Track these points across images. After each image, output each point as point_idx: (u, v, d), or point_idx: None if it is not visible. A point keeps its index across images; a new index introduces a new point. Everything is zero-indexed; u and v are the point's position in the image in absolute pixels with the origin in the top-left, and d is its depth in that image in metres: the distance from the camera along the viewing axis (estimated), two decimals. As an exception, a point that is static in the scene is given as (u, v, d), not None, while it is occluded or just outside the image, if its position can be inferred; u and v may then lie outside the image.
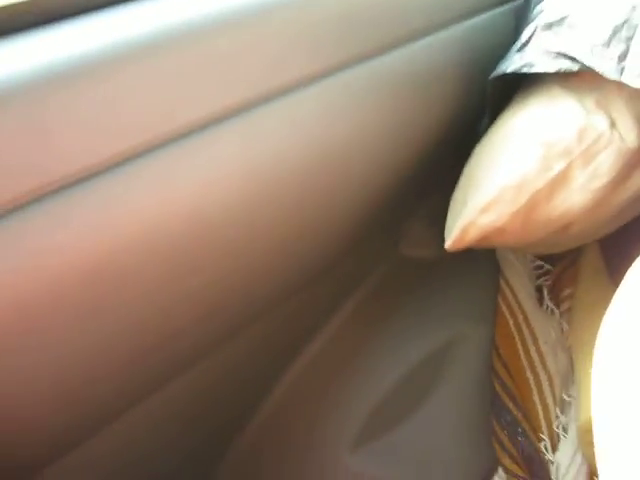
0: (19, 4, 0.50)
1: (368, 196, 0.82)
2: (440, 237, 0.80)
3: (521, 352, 0.97)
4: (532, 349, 0.97)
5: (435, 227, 0.84)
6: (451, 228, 0.75)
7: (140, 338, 0.64)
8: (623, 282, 0.52)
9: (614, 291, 0.53)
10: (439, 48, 0.77)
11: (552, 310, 1.00)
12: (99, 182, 0.51)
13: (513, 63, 0.73)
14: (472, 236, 0.73)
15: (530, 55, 0.72)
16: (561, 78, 0.73)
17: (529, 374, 0.96)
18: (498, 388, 0.97)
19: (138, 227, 0.55)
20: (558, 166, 0.70)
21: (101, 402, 0.67)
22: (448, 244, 0.75)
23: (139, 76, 0.52)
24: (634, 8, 0.66)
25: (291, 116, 0.63)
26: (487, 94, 0.80)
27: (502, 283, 1.02)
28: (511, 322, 0.99)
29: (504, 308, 1.00)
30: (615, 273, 0.93)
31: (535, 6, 0.79)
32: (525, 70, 0.72)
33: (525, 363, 0.96)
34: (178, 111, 0.54)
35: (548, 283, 1.03)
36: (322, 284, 0.93)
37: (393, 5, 0.70)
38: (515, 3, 0.87)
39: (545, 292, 1.01)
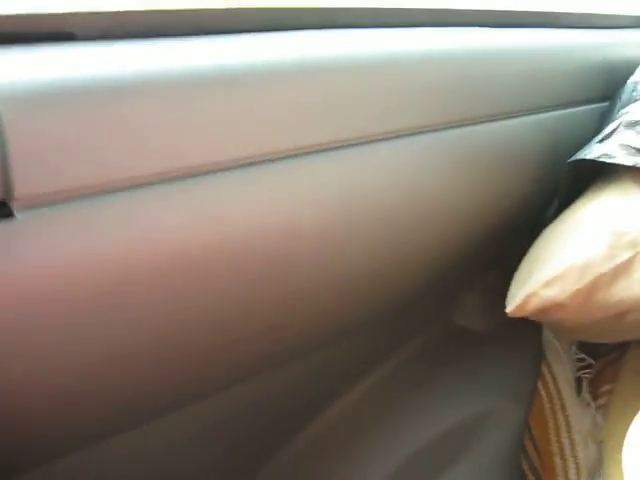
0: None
1: (430, 260, 0.86)
2: (492, 311, 0.83)
3: (553, 436, 0.99)
4: (564, 436, 0.98)
5: (489, 301, 0.87)
6: (514, 295, 0.79)
7: (181, 352, 0.64)
8: None
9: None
10: (526, 130, 0.82)
11: (589, 402, 1.02)
12: (200, 183, 0.53)
13: (593, 152, 0.79)
14: (533, 307, 0.77)
15: (610, 147, 0.77)
16: (636, 174, 0.78)
17: (558, 459, 0.97)
18: (525, 468, 0.98)
19: (232, 234, 0.57)
20: (623, 255, 0.74)
21: (113, 412, 0.66)
22: (509, 310, 0.78)
23: (259, 98, 0.55)
24: None
25: (377, 163, 0.68)
26: (562, 179, 0.85)
27: (544, 367, 1.04)
28: (547, 406, 1.01)
29: (543, 391, 1.02)
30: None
31: (620, 109, 0.85)
32: (603, 159, 0.77)
33: (555, 448, 0.98)
34: (282, 135, 0.58)
35: (588, 376, 1.05)
36: (371, 335, 0.96)
37: (494, 82, 0.76)
38: (601, 104, 0.93)
39: (584, 384, 1.03)
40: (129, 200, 0.50)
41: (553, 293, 0.75)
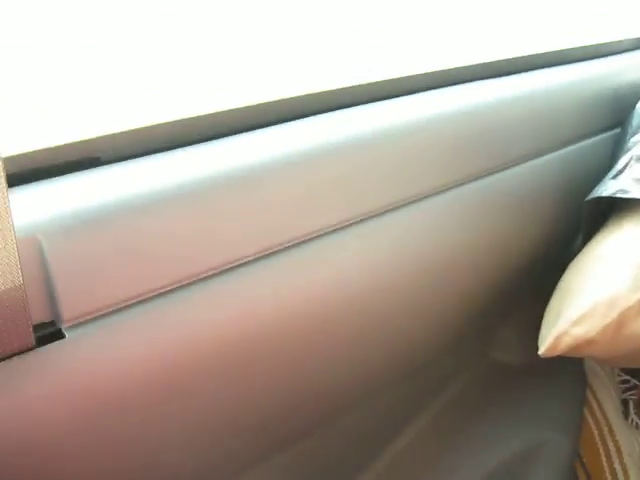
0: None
1: (464, 301, 0.88)
2: (530, 344, 0.85)
3: (605, 463, 0.99)
4: (616, 461, 0.98)
5: (526, 334, 0.88)
6: (545, 336, 0.80)
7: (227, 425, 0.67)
8: None
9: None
10: (541, 172, 0.84)
11: (637, 424, 1.02)
12: (214, 285, 0.56)
13: (608, 188, 0.80)
14: (564, 345, 0.78)
15: (624, 182, 0.78)
16: (653, 205, 0.79)
17: (612, 485, 0.97)
18: (580, 497, 0.99)
19: (255, 326, 0.60)
20: None
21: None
22: (542, 351, 0.80)
23: (271, 189, 0.58)
24: None
25: (403, 229, 0.71)
26: (582, 216, 0.87)
27: (589, 394, 1.05)
28: (596, 433, 1.01)
29: (590, 419, 1.03)
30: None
31: (631, 137, 0.86)
32: (619, 195, 0.78)
33: (608, 474, 0.98)
34: (305, 221, 0.61)
35: (634, 397, 1.05)
36: (413, 382, 0.97)
37: (500, 132, 0.78)
38: (612, 132, 0.94)
39: (631, 406, 1.04)
40: (168, 302, 0.53)
41: (583, 331, 0.76)
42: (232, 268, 0.56)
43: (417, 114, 0.72)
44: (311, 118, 0.67)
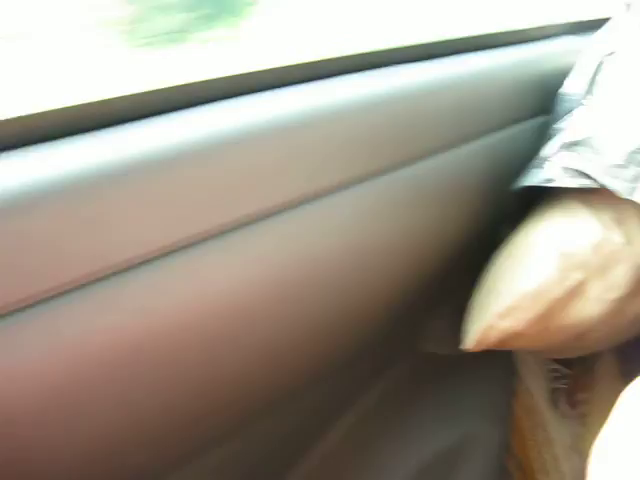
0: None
1: (390, 294, 0.85)
2: (459, 336, 0.83)
3: (535, 454, 0.98)
4: (546, 451, 0.98)
5: (456, 325, 0.86)
6: (471, 330, 0.78)
7: (166, 421, 0.66)
8: (626, 390, 0.55)
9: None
10: (465, 160, 0.82)
11: (567, 413, 1.02)
12: (141, 274, 0.54)
13: (534, 177, 0.78)
14: (491, 339, 0.76)
15: (550, 171, 0.76)
16: (580, 193, 0.77)
17: (543, 476, 0.97)
18: (511, 489, 0.98)
19: (164, 322, 0.58)
20: (575, 277, 0.73)
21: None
22: (468, 345, 0.78)
23: (187, 179, 0.56)
24: (649, 135, 0.70)
25: (322, 221, 0.67)
26: (507, 205, 0.85)
27: (518, 384, 1.04)
28: (526, 424, 1.00)
29: (520, 409, 1.02)
30: (630, 379, 0.94)
31: (556, 123, 0.84)
32: (545, 184, 0.76)
33: (539, 465, 0.97)
34: (218, 212, 0.58)
35: (564, 387, 1.04)
36: (341, 377, 0.95)
37: (424, 118, 0.75)
38: (537, 119, 0.92)
39: (561, 395, 1.03)
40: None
41: (509, 324, 0.75)
42: (133, 267, 0.54)
43: (336, 99, 0.68)
44: (221, 102, 0.63)
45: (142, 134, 0.57)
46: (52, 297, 0.50)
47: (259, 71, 0.67)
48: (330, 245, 0.69)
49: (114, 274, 0.53)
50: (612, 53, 0.83)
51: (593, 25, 1.04)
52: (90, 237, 0.51)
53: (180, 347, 0.59)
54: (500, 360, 1.05)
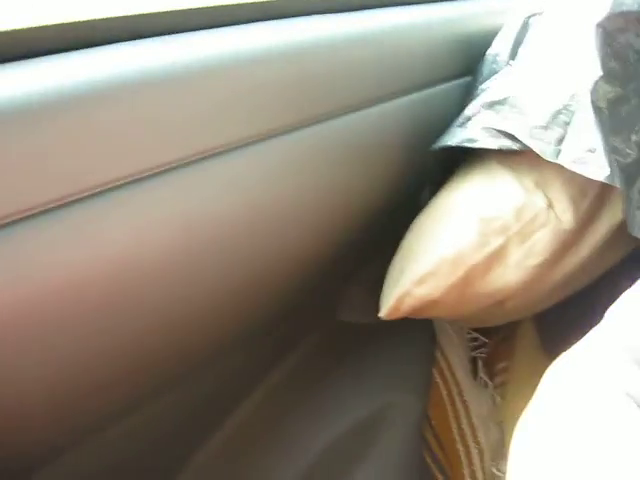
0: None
1: (306, 260, 0.82)
2: (378, 304, 0.80)
3: (453, 424, 0.97)
4: (464, 421, 0.96)
5: (374, 293, 0.84)
6: (387, 297, 0.75)
7: (69, 386, 0.63)
8: (550, 368, 0.53)
9: (548, 366, 0.53)
10: (385, 118, 0.78)
11: (486, 383, 1.01)
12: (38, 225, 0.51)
13: (455, 137, 0.75)
14: (407, 306, 0.73)
15: (472, 131, 0.73)
16: (501, 156, 0.74)
17: (460, 446, 0.95)
18: (428, 459, 0.96)
19: (74, 272, 0.54)
20: (495, 242, 0.71)
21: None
22: (383, 313, 0.75)
23: (82, 126, 0.51)
24: (573, 96, 0.68)
25: (228, 176, 0.63)
26: (428, 166, 0.82)
27: (437, 353, 1.02)
28: (444, 393, 0.99)
29: (438, 379, 1.00)
30: (550, 348, 0.94)
31: (481, 84, 0.82)
32: (466, 144, 0.73)
33: (456, 435, 0.96)
34: (116, 163, 0.54)
35: (483, 356, 1.03)
36: (257, 345, 0.92)
37: (344, 72, 0.71)
38: (462, 80, 0.89)
39: (480, 364, 1.02)
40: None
41: (426, 291, 0.72)
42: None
43: (253, 46, 0.63)
44: (141, 41, 0.58)
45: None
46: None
47: (186, 10, 0.63)
48: (238, 204, 0.65)
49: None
50: (538, 14, 0.81)
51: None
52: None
53: (88, 301, 0.57)
54: (420, 328, 1.03)
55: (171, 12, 0.62)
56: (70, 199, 0.51)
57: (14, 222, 0.49)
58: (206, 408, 0.92)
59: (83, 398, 0.65)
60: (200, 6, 0.63)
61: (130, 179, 0.55)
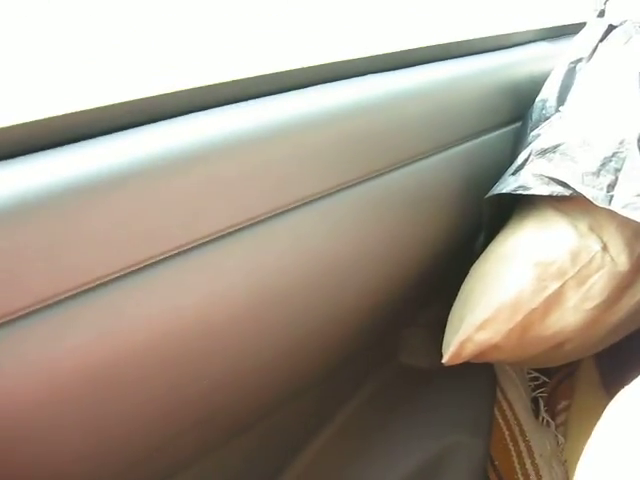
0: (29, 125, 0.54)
1: (368, 307, 0.84)
2: (438, 346, 0.82)
3: (517, 465, 0.97)
4: (528, 462, 0.97)
5: (434, 336, 0.85)
6: (449, 343, 0.77)
7: (142, 439, 0.65)
8: (612, 402, 0.54)
9: (608, 403, 0.54)
10: (440, 169, 0.81)
11: (548, 422, 1.01)
12: (108, 292, 0.53)
13: (508, 185, 0.77)
14: (469, 352, 0.75)
15: (524, 178, 0.75)
16: (555, 201, 0.76)
17: (524, 486, 0.95)
18: (493, 500, 0.97)
19: (144, 335, 0.57)
20: (552, 286, 0.72)
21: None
22: (445, 359, 0.77)
23: (153, 195, 0.55)
24: (622, 142, 0.69)
25: (296, 232, 0.66)
26: (483, 213, 0.84)
27: (499, 394, 1.03)
28: (507, 434, 0.99)
29: (500, 420, 1.01)
30: (610, 386, 0.94)
31: (532, 130, 0.84)
32: (520, 192, 0.75)
33: (520, 475, 0.96)
34: (188, 227, 0.57)
35: (544, 395, 1.03)
36: (321, 390, 0.94)
37: (397, 128, 0.74)
38: (512, 126, 0.91)
39: (541, 404, 1.02)
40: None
41: (487, 336, 0.73)
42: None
43: (313, 109, 0.67)
44: (191, 115, 0.61)
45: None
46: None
47: (240, 80, 0.66)
48: (304, 258, 0.68)
49: (106, 284, 0.53)
50: (586, 59, 0.83)
51: (568, 31, 1.04)
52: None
53: (159, 361, 0.59)
54: (481, 370, 1.04)
55: (236, 81, 0.66)
56: (151, 261, 0.55)
57: (106, 283, 0.53)
58: (273, 451, 0.93)
59: (154, 449, 0.68)
60: (266, 73, 0.67)
61: (206, 239, 0.58)
